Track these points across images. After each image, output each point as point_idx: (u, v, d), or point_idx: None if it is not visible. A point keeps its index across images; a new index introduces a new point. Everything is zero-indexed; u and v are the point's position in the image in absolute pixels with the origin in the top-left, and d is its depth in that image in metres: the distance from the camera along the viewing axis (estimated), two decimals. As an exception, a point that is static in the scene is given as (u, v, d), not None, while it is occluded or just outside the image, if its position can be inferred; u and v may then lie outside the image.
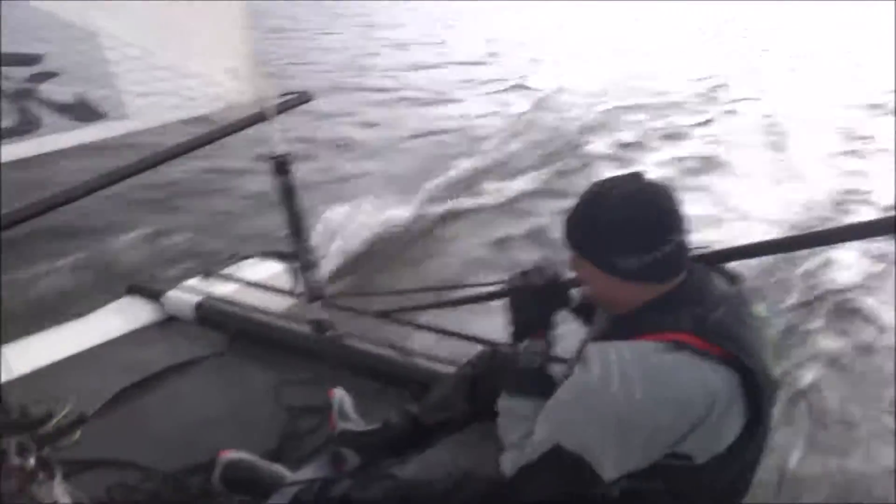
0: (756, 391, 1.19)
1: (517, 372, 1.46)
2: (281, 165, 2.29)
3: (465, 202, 6.17)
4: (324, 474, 1.81)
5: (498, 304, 1.64)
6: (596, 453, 1.20)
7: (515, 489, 1.32)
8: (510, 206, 6.26)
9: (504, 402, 1.45)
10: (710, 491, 1.30)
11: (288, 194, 2.33)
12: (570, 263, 1.36)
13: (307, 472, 1.83)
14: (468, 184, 6.64)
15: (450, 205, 6.00)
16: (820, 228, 1.54)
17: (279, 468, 1.84)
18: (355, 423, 1.98)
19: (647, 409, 1.16)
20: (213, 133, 2.12)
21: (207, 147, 2.24)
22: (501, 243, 5.43)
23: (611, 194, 1.26)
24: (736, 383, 1.17)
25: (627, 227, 1.23)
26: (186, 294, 2.92)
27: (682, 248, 1.26)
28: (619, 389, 1.16)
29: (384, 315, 2.53)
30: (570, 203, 1.34)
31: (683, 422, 1.16)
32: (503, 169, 7.25)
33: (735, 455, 1.23)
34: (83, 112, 1.90)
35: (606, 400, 1.18)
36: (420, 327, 2.55)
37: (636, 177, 1.28)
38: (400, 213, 5.58)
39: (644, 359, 1.17)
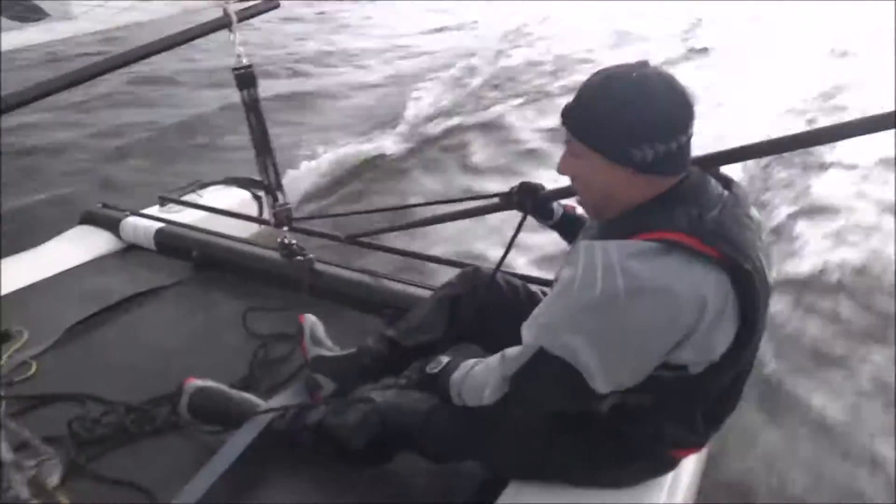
0: (751, 295, 1.12)
1: None
2: (244, 78, 2.13)
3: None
4: (298, 402, 1.73)
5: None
6: (582, 359, 1.13)
7: (511, 396, 1.26)
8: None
9: None
10: (703, 403, 1.26)
11: (253, 109, 2.18)
12: (565, 159, 1.25)
13: (280, 400, 1.75)
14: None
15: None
16: (818, 126, 1.43)
17: (250, 397, 1.76)
18: (329, 350, 1.90)
19: (632, 309, 1.08)
20: (170, 39, 1.93)
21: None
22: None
23: (624, 81, 1.15)
24: (729, 287, 1.10)
25: (645, 114, 1.12)
26: (145, 222, 2.77)
27: (689, 144, 1.17)
28: (602, 289, 1.09)
29: (356, 240, 2.43)
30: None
31: (673, 329, 1.10)
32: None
33: (729, 363, 1.17)
34: (25, 12, 1.71)
35: (589, 301, 1.11)
36: (394, 251, 2.45)
37: (646, 65, 1.17)
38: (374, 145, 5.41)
39: (631, 259, 1.09)
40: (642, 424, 1.29)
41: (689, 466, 1.49)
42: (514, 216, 1.70)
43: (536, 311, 1.25)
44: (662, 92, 1.14)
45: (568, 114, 1.21)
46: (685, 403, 1.26)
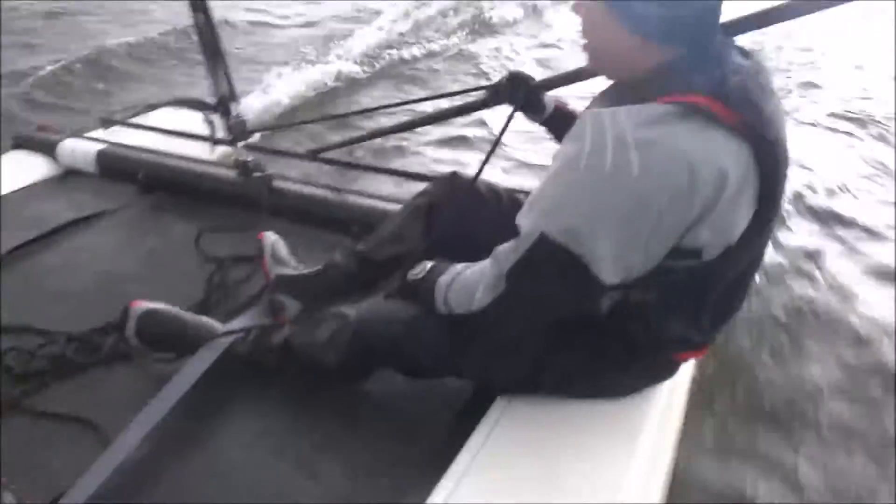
0: (774, 169, 1.00)
1: None
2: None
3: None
4: (260, 323, 1.58)
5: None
6: (589, 246, 0.99)
7: (507, 294, 1.11)
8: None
9: None
10: (711, 297, 1.14)
11: (200, 9, 1.95)
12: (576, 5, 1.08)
13: (241, 323, 1.59)
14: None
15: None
16: None
17: (207, 320, 1.59)
18: (293, 269, 1.74)
19: (648, 184, 0.94)
20: None
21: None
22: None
23: None
24: (751, 158, 0.97)
25: None
26: (85, 144, 2.53)
27: (710, 13, 1.01)
28: (613, 163, 0.94)
29: (318, 156, 2.23)
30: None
31: (692, 202, 0.96)
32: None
33: (745, 247, 1.05)
34: None
35: (597, 175, 0.96)
36: (362, 168, 2.27)
37: None
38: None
39: (644, 127, 0.95)
40: (646, 323, 1.16)
41: (687, 373, 1.40)
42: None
43: (534, 193, 1.09)
44: None
45: None
46: (693, 298, 1.13)
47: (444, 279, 1.27)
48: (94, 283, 1.89)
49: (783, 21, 1.30)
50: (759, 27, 1.30)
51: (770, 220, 1.07)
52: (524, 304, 1.13)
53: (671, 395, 1.34)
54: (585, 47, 1.11)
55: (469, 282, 1.21)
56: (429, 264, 1.35)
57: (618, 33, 1.02)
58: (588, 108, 1.27)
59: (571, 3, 1.09)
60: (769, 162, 0.99)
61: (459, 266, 1.29)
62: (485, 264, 1.19)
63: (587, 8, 1.05)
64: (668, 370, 1.30)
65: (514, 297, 1.11)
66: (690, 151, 0.94)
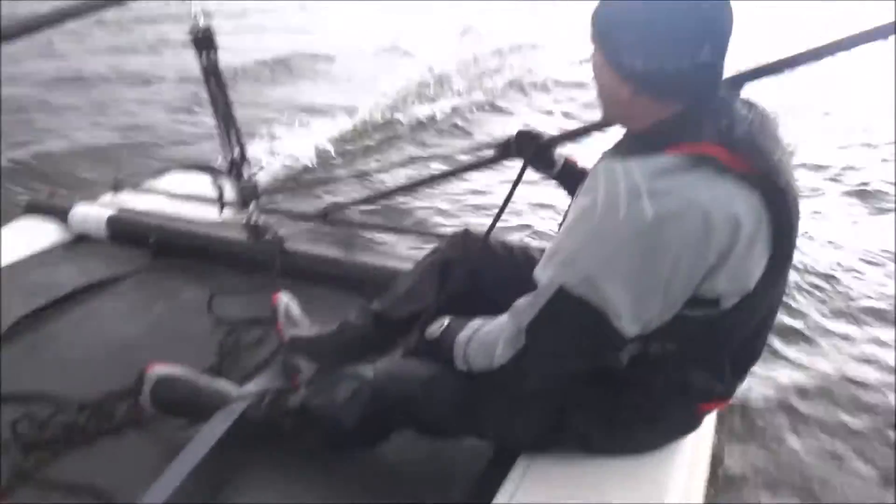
0: (786, 215, 1.01)
1: None
2: (203, 41, 1.95)
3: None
4: (275, 386, 1.56)
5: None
6: (607, 297, 1.00)
7: (527, 349, 1.11)
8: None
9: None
10: (730, 346, 1.14)
11: (213, 76, 2.00)
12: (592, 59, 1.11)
13: (255, 386, 1.58)
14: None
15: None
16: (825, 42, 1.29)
17: (222, 383, 1.58)
18: (307, 330, 1.73)
19: (663, 233, 0.95)
20: None
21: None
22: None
23: None
24: (762, 206, 0.99)
25: (663, 29, 0.97)
26: (96, 209, 2.56)
27: (709, 70, 1.01)
28: (627, 213, 0.96)
29: (327, 216, 2.25)
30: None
31: (707, 250, 0.97)
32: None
33: (762, 294, 1.05)
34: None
35: (613, 226, 0.97)
36: (369, 227, 2.28)
37: None
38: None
39: (657, 178, 0.96)
40: (667, 374, 1.16)
41: (710, 425, 1.37)
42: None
43: (551, 247, 1.10)
44: (690, 6, 0.97)
45: (594, 10, 1.07)
46: (712, 347, 1.13)
47: (462, 336, 1.27)
48: (106, 350, 1.89)
49: (783, 72, 1.33)
50: (760, 77, 1.33)
51: (785, 268, 1.08)
52: (545, 357, 1.13)
53: (696, 450, 1.32)
54: (598, 96, 1.14)
55: (488, 338, 1.21)
56: (446, 320, 1.35)
57: (619, 85, 1.04)
58: (600, 160, 1.30)
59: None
60: (780, 209, 1.00)
61: (477, 322, 1.28)
62: (503, 319, 1.19)
63: (595, 59, 1.08)
64: (692, 422, 1.28)
65: (534, 351, 1.11)
66: (703, 200, 0.95)
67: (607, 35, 1.03)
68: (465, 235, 1.64)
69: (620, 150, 1.11)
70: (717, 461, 1.88)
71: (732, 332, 1.11)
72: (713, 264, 0.99)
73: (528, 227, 3.12)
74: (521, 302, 1.13)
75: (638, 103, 1.05)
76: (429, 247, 1.77)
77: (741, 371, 1.20)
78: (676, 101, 1.03)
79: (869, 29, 1.26)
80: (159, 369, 1.55)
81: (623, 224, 0.96)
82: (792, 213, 1.03)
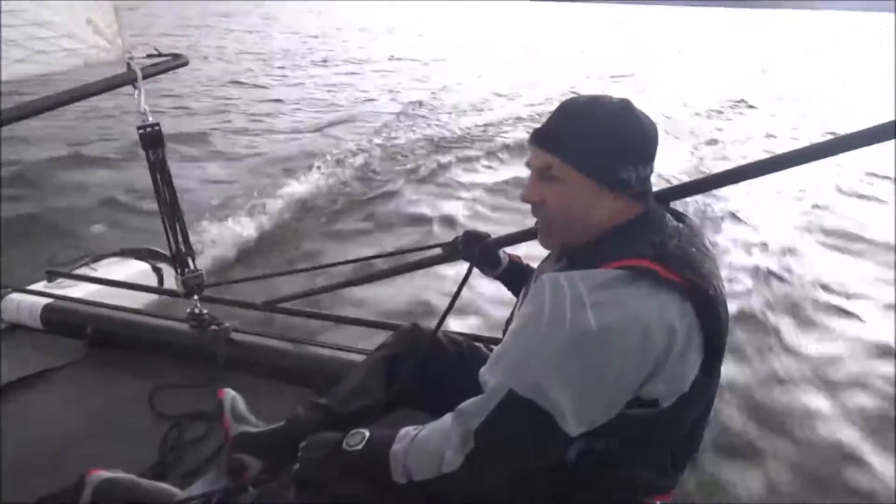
0: (715, 321, 1.11)
1: None
2: (150, 137, 1.99)
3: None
4: (221, 487, 1.54)
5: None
6: (553, 400, 1.06)
7: (478, 452, 1.13)
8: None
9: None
10: (672, 442, 1.21)
11: (159, 170, 2.02)
12: (535, 184, 1.21)
13: (200, 487, 1.55)
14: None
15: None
16: (806, 146, 1.39)
17: (165, 487, 1.55)
18: (254, 426, 1.72)
19: (605, 342, 1.04)
20: (70, 93, 1.77)
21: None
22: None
23: (609, 103, 1.18)
24: (693, 314, 1.09)
25: (631, 137, 1.16)
26: (29, 298, 2.49)
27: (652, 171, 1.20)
28: (572, 323, 1.04)
29: (274, 306, 2.26)
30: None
31: (646, 358, 1.06)
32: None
33: (698, 394, 1.14)
34: None
35: (558, 334, 1.05)
36: (320, 317, 2.30)
37: (612, 97, 1.21)
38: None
39: (598, 290, 1.06)
40: (613, 470, 1.21)
41: None
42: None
43: (498, 352, 1.16)
44: (643, 117, 1.18)
45: (547, 135, 1.19)
46: (654, 444, 1.20)
47: (397, 448, 1.22)
48: (40, 449, 1.81)
49: (710, 189, 1.47)
50: (690, 195, 1.46)
51: (717, 367, 1.16)
52: (495, 459, 1.15)
53: None
54: (552, 221, 1.22)
55: (429, 446, 1.19)
56: (366, 433, 1.30)
57: (592, 195, 1.16)
58: (540, 266, 1.39)
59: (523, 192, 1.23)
60: (711, 315, 1.10)
61: (409, 430, 1.25)
62: (443, 424, 1.20)
63: (550, 188, 1.19)
64: None
65: (485, 453, 1.13)
66: (642, 313, 1.05)
67: (588, 152, 1.15)
68: (414, 330, 1.69)
69: (560, 261, 1.20)
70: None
71: (672, 428, 1.18)
72: (651, 370, 1.07)
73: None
74: (469, 405, 1.16)
75: (611, 208, 1.17)
76: (377, 334, 1.81)
77: (682, 464, 1.27)
78: (641, 202, 1.19)
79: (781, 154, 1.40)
80: (101, 473, 1.51)
81: (568, 333, 1.05)
82: (721, 318, 1.12)
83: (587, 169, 1.16)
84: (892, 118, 1.24)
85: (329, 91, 12.15)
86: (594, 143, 1.15)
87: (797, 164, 1.38)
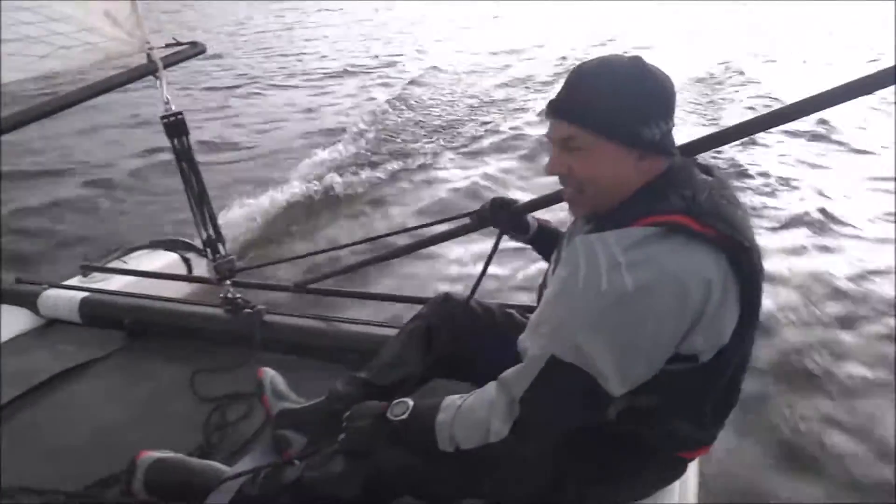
0: (751, 272, 1.11)
1: None
2: (174, 126, 2.01)
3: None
4: (267, 462, 1.57)
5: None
6: (596, 362, 1.07)
7: (524, 420, 1.15)
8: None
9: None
10: (711, 396, 1.21)
11: (185, 158, 2.05)
12: (559, 157, 1.19)
13: (247, 463, 1.58)
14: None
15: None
16: (812, 95, 1.36)
17: (213, 464, 1.58)
18: (294, 402, 1.75)
19: (642, 302, 1.04)
20: (92, 87, 1.80)
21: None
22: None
23: (621, 64, 1.16)
24: (728, 266, 1.08)
25: (650, 94, 1.14)
26: (67, 293, 2.54)
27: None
28: (609, 285, 1.05)
29: (305, 287, 2.29)
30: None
31: (684, 314, 1.06)
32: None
33: (736, 346, 1.14)
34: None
35: (596, 297, 1.06)
36: (348, 294, 2.32)
37: (623, 56, 1.18)
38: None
39: (633, 249, 1.06)
40: (653, 426, 1.22)
41: (693, 471, 1.44)
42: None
43: (536, 318, 1.17)
44: (657, 71, 1.16)
45: (563, 104, 1.18)
46: (694, 398, 1.20)
47: (443, 418, 1.25)
48: (89, 436, 1.87)
49: (735, 140, 1.45)
50: (714, 147, 1.45)
51: (754, 319, 1.16)
52: (542, 423, 1.17)
53: (683, 496, 1.38)
54: (583, 189, 1.20)
55: (476, 415, 1.21)
56: (410, 403, 1.32)
57: (618, 158, 1.15)
58: (570, 229, 1.39)
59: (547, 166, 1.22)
60: (746, 266, 1.10)
61: (451, 400, 1.28)
62: (487, 393, 1.22)
63: (576, 158, 1.17)
64: (677, 469, 1.34)
65: (531, 419, 1.15)
66: (677, 268, 1.05)
67: (609, 116, 1.13)
68: (447, 299, 1.70)
69: (594, 226, 1.20)
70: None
71: (711, 382, 1.18)
72: (690, 325, 1.07)
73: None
74: (511, 374, 1.18)
75: (635, 170, 1.16)
76: (409, 309, 1.82)
77: (721, 418, 1.28)
78: (669, 157, 1.18)
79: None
80: (151, 455, 1.55)
81: (606, 295, 1.05)
82: (756, 269, 1.12)
83: (609, 133, 1.14)
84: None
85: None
86: (612, 105, 1.13)
87: (814, 112, 1.37)
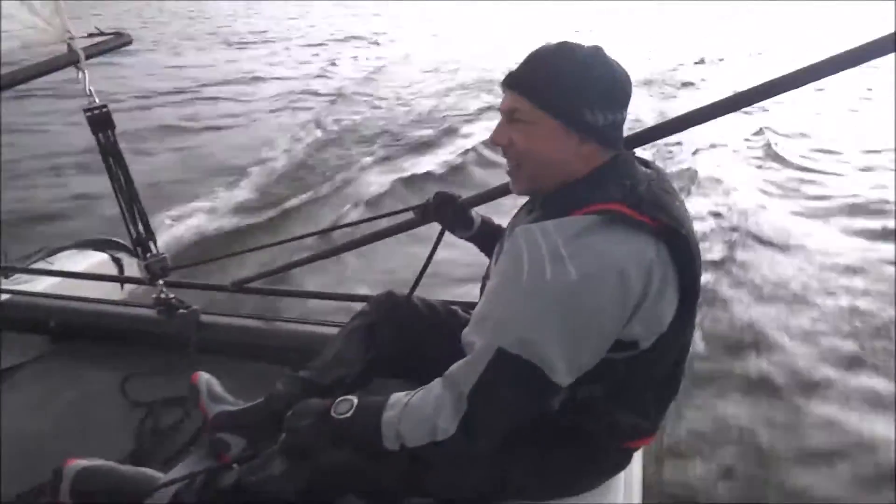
0: (689, 261, 1.13)
1: None
2: (99, 119, 1.92)
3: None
4: (204, 467, 1.52)
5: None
6: (543, 352, 1.07)
7: (473, 415, 1.12)
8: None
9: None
10: (652, 384, 1.24)
11: (111, 153, 1.96)
12: (503, 127, 1.21)
13: (182, 470, 1.52)
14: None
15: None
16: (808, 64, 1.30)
17: (146, 471, 1.51)
18: (232, 405, 1.69)
19: (586, 291, 1.05)
20: (12, 76, 1.69)
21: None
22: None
23: (580, 48, 1.18)
24: (667, 255, 1.11)
25: (600, 81, 1.16)
26: None
27: (624, 122, 1.21)
28: (553, 276, 1.05)
29: (243, 286, 2.22)
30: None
31: (626, 301, 1.08)
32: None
33: (676, 334, 1.16)
34: None
35: (540, 288, 1.06)
36: (287, 294, 2.27)
37: (584, 44, 1.20)
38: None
39: (575, 237, 1.07)
40: (596, 416, 1.23)
41: (638, 461, 1.46)
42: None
43: (480, 311, 1.17)
44: (615, 64, 1.18)
45: (518, 77, 1.20)
46: (636, 387, 1.22)
47: (389, 416, 1.21)
48: (12, 446, 1.76)
49: (677, 132, 1.47)
50: (657, 139, 1.47)
51: (693, 306, 1.18)
52: (490, 419, 1.15)
53: (628, 486, 1.39)
54: (521, 163, 1.22)
55: (422, 412, 1.17)
56: (355, 400, 1.28)
57: (564, 140, 1.16)
58: (512, 221, 1.39)
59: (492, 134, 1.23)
60: (684, 255, 1.12)
61: (397, 398, 1.24)
62: (433, 390, 1.19)
63: (519, 130, 1.19)
64: (622, 461, 1.36)
65: (479, 415, 1.13)
66: (618, 255, 1.06)
67: (557, 93, 1.15)
68: (389, 297, 1.68)
69: (532, 212, 1.20)
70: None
71: (652, 370, 1.20)
72: (632, 312, 1.09)
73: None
74: (456, 370, 1.16)
75: (575, 155, 1.17)
76: (350, 308, 1.78)
77: (662, 407, 1.30)
78: (614, 147, 1.19)
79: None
80: (79, 462, 1.47)
81: (550, 285, 1.05)
82: (694, 257, 1.14)
83: (553, 110, 1.16)
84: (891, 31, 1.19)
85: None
86: (561, 85, 1.15)
87: (792, 88, 1.33)
